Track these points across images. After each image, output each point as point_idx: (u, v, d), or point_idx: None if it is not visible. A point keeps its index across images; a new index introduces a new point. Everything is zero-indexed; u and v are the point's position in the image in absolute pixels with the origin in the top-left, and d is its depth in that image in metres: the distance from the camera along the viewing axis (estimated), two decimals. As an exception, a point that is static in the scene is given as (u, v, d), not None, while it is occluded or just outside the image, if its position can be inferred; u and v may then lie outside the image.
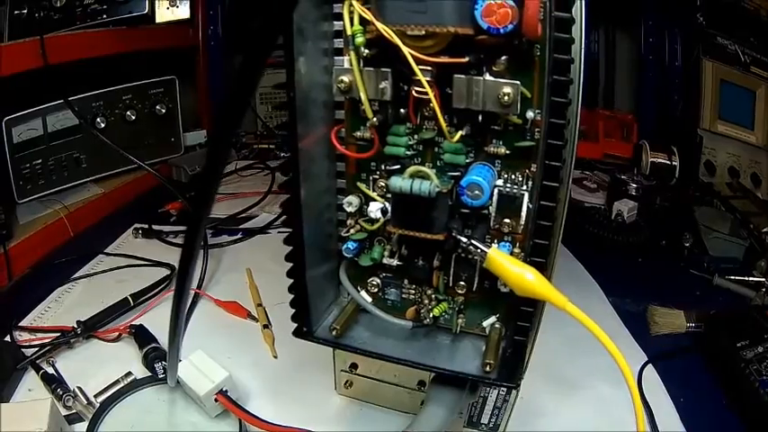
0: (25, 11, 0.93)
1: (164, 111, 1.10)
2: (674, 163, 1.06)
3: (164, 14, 1.08)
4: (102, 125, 1.00)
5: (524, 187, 0.37)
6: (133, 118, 1.05)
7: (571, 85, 0.33)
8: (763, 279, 0.79)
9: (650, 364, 0.63)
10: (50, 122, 0.94)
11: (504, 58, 0.34)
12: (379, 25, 0.32)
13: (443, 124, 0.35)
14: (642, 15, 1.27)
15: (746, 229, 0.99)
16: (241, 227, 0.96)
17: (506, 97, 0.33)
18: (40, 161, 0.93)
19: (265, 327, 0.67)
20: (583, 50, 0.35)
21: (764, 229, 0.99)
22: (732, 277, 0.80)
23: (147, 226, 0.93)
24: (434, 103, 0.33)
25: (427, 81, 0.33)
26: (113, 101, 1.03)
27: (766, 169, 1.20)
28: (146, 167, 0.89)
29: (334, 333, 0.43)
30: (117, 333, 0.65)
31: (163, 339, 0.61)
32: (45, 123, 0.93)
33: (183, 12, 1.12)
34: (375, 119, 0.35)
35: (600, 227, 0.93)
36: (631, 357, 0.63)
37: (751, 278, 0.80)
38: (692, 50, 1.23)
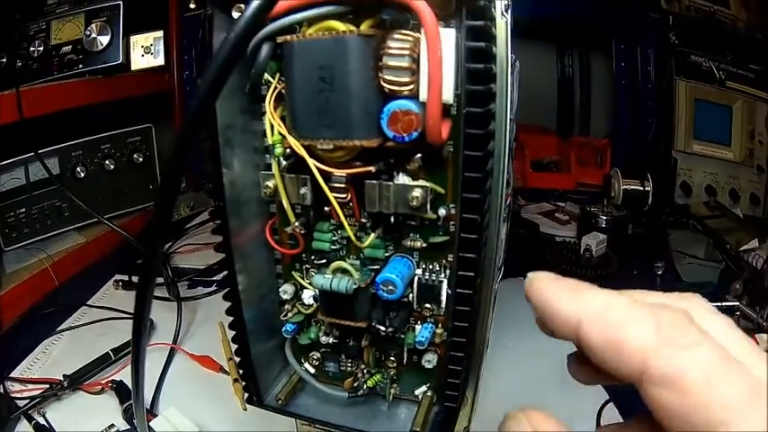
0: (4, 60, 0.96)
1: (141, 159, 1.12)
2: (646, 189, 1.06)
3: (138, 62, 1.10)
4: (82, 174, 1.03)
5: (442, 275, 0.38)
6: (112, 167, 1.08)
7: (490, 177, 0.35)
8: (737, 303, 0.78)
9: (611, 403, 0.63)
10: (32, 172, 0.97)
11: (417, 156, 0.34)
12: (291, 139, 0.34)
13: (351, 233, 0.37)
14: (613, 38, 1.27)
15: (722, 250, 0.98)
16: (216, 278, 0.96)
17: (415, 201, 0.34)
18: (23, 210, 0.96)
19: (236, 380, 0.69)
20: (508, 136, 0.36)
21: (743, 247, 0.99)
22: (705, 303, 0.80)
23: (126, 278, 0.95)
24: (338, 212, 0.35)
25: (342, 187, 0.35)
26: (92, 150, 1.05)
27: (745, 184, 1.20)
28: (105, 221, 0.93)
29: (279, 402, 0.45)
30: (100, 387, 0.69)
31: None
32: (27, 173, 0.96)
33: (157, 59, 1.14)
34: (297, 222, 0.38)
35: (568, 262, 0.93)
36: (592, 396, 0.63)
37: (724, 303, 0.79)
38: (664, 71, 1.24)
